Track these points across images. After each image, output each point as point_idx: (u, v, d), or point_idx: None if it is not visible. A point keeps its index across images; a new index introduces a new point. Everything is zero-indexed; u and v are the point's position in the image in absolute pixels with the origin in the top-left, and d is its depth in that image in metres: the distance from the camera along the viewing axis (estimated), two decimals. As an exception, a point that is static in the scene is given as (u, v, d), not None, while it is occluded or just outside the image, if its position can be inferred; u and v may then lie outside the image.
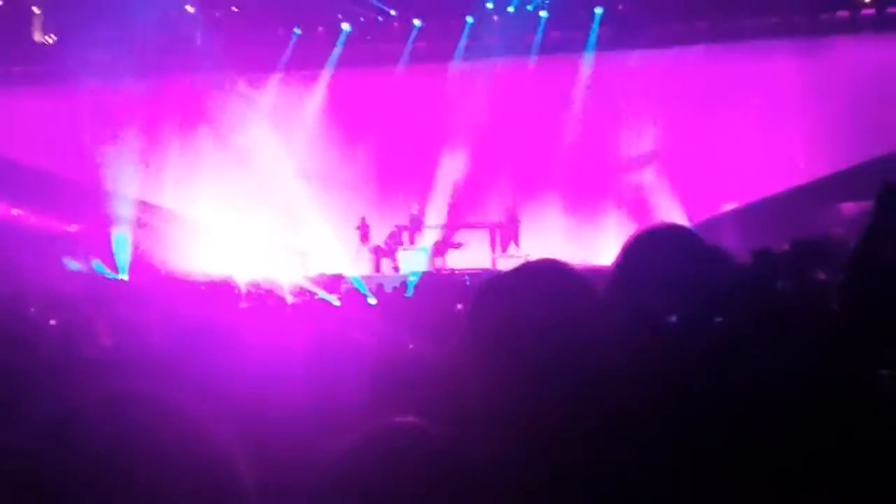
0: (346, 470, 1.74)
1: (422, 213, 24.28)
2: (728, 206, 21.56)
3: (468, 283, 11.22)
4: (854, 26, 23.28)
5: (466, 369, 1.96)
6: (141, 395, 1.39)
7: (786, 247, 5.63)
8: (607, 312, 2.00)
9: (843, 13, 23.60)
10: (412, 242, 24.25)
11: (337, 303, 10.34)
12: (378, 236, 24.59)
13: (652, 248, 2.21)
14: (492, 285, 2.04)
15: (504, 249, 23.43)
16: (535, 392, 1.84)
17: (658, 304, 2.07)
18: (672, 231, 2.30)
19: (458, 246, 23.45)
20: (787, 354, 2.05)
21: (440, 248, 23.61)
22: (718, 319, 2.07)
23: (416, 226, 24.26)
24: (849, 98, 22.10)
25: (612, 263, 2.29)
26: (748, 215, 19.96)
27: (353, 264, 23.67)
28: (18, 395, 3.04)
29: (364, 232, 24.63)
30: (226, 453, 1.37)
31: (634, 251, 2.23)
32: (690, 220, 20.19)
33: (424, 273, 17.21)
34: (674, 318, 2.07)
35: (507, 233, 23.63)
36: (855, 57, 22.72)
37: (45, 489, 1.28)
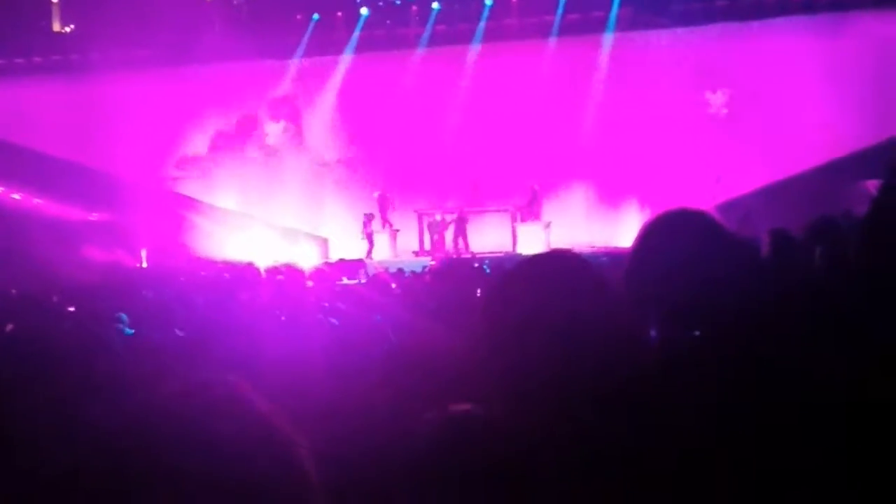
0: (416, 457, 1.76)
1: (443, 219, 24.00)
2: (751, 186, 21.41)
3: (488, 267, 11.19)
4: (875, 1, 23.00)
5: (482, 359, 1.95)
6: (215, 390, 1.38)
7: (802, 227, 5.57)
8: (619, 304, 1.98)
9: (863, -12, 23.36)
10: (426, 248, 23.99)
11: (358, 287, 10.34)
12: (393, 218, 24.48)
13: (669, 233, 2.18)
14: (504, 278, 2.03)
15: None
16: (548, 384, 1.84)
17: (673, 290, 2.05)
18: (690, 216, 2.27)
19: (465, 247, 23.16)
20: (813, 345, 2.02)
21: (460, 232, 23.54)
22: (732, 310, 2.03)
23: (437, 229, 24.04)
24: (871, 74, 21.93)
25: (630, 248, 2.27)
26: (771, 195, 19.83)
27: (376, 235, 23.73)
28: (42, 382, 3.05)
29: (383, 204, 24.37)
30: (297, 449, 1.37)
31: (651, 236, 2.20)
32: (713, 200, 20.07)
33: (445, 258, 17.17)
34: (688, 309, 2.05)
35: (528, 215, 23.58)
36: (877, 32, 22.51)
37: (127, 489, 1.27)
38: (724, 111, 23.95)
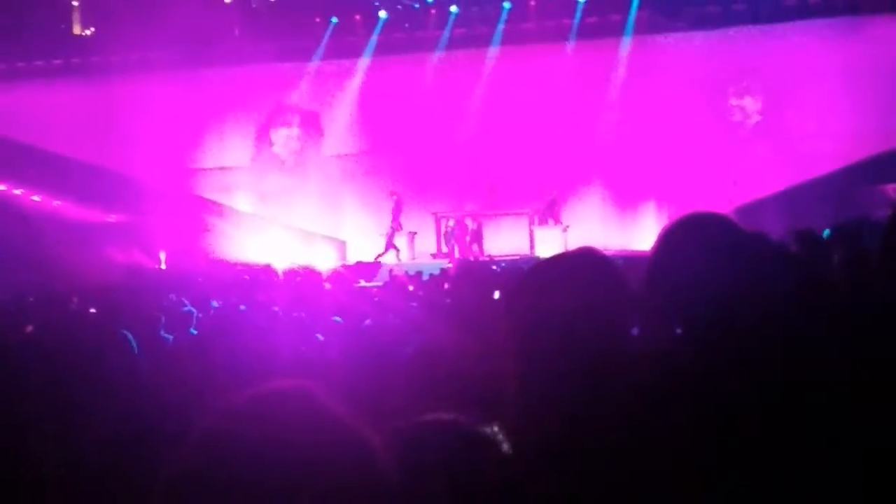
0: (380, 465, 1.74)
1: (459, 224, 23.88)
2: (768, 190, 21.34)
3: (504, 269, 11.17)
4: (893, 4, 22.90)
5: (503, 360, 1.94)
6: (291, 393, 1.37)
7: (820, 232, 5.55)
8: (641, 305, 1.98)
9: (882, -9, 23.26)
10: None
11: (376, 289, 10.35)
12: (411, 220, 24.44)
13: (689, 237, 2.17)
14: (526, 278, 2.02)
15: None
16: (568, 386, 1.83)
17: (693, 294, 2.04)
18: (710, 219, 2.26)
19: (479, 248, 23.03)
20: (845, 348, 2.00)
21: (476, 235, 23.53)
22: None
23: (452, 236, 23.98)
24: (889, 78, 21.80)
25: (649, 253, 2.26)
26: (790, 198, 19.75)
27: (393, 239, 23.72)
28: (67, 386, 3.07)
29: (397, 205, 24.31)
30: (376, 451, 1.36)
31: (671, 240, 2.19)
32: (731, 203, 20.00)
33: (462, 260, 17.15)
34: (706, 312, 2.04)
35: (546, 218, 23.55)
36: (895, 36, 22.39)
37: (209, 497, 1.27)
38: (758, 118, 23.83)
